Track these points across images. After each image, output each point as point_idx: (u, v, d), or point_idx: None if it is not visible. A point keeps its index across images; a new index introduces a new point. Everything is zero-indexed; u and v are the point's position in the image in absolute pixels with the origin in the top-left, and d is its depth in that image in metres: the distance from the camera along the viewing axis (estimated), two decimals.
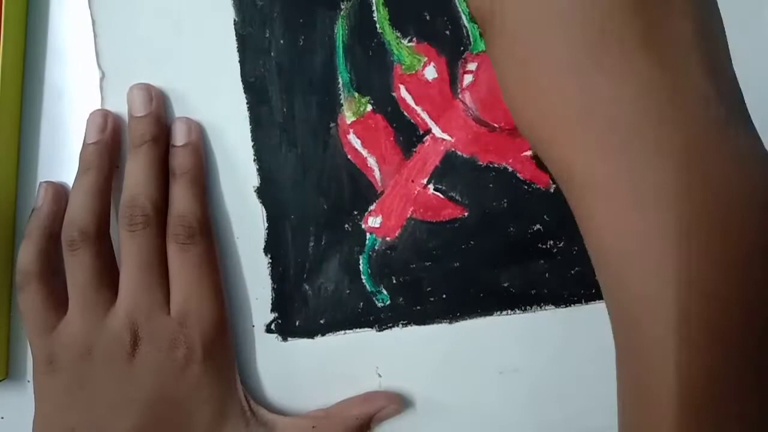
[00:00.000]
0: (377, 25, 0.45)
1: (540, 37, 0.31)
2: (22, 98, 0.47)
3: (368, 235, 0.46)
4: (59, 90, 0.48)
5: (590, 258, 0.33)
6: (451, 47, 0.45)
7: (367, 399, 0.46)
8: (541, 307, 0.46)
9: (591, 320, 0.45)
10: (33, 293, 0.44)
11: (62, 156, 0.48)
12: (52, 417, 0.43)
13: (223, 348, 0.45)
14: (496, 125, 0.45)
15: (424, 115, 0.45)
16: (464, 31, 0.45)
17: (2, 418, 0.48)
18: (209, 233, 0.45)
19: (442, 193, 0.46)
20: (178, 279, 0.44)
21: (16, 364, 0.48)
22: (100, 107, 0.46)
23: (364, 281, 0.46)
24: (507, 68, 0.33)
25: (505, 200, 0.46)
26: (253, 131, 0.46)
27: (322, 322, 0.47)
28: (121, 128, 0.46)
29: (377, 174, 0.46)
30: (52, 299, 0.44)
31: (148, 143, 0.44)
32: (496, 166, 0.45)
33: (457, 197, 0.46)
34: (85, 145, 0.45)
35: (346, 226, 0.46)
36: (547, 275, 0.46)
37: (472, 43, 0.45)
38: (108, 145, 0.45)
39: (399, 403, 0.46)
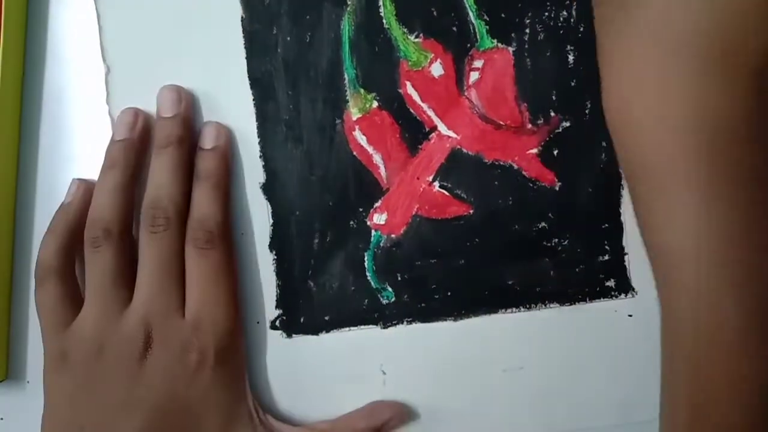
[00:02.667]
0: (384, 21, 0.45)
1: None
2: (22, 98, 0.47)
3: (373, 232, 0.46)
4: (59, 90, 0.48)
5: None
6: (458, 44, 0.45)
7: (372, 411, 0.46)
8: (545, 305, 0.46)
9: (595, 318, 0.46)
10: (51, 289, 0.44)
11: (62, 156, 0.48)
12: (61, 414, 0.43)
13: (235, 354, 0.45)
14: (501, 123, 0.45)
15: (430, 112, 0.45)
16: (471, 28, 0.45)
17: (1, 419, 0.48)
18: (228, 239, 0.45)
19: (447, 191, 0.46)
20: (194, 283, 0.43)
21: (15, 365, 0.48)
22: (105, 103, 0.46)
23: (368, 278, 0.46)
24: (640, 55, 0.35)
25: (511, 198, 0.46)
26: (259, 127, 0.46)
27: (326, 318, 0.46)
28: (151, 128, 0.46)
29: (383, 171, 0.46)
30: (69, 296, 0.44)
31: (174, 145, 0.44)
32: (501, 163, 0.45)
33: (462, 195, 0.46)
34: (112, 141, 0.45)
35: (352, 222, 0.46)
36: (551, 273, 0.46)
37: (479, 40, 0.45)
38: (135, 144, 0.45)
39: (404, 413, 0.46)
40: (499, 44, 0.45)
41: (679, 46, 0.33)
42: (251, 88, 0.46)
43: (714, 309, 0.34)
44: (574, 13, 0.44)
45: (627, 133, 0.36)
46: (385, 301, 0.46)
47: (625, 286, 0.46)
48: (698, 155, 0.33)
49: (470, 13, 0.45)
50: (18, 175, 0.47)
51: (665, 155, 0.34)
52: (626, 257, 0.45)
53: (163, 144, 0.44)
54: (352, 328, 0.47)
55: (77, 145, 0.47)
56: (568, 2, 0.44)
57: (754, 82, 0.33)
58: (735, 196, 0.33)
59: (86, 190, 0.46)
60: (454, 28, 0.45)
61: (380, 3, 0.45)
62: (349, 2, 0.45)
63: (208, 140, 0.45)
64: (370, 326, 0.46)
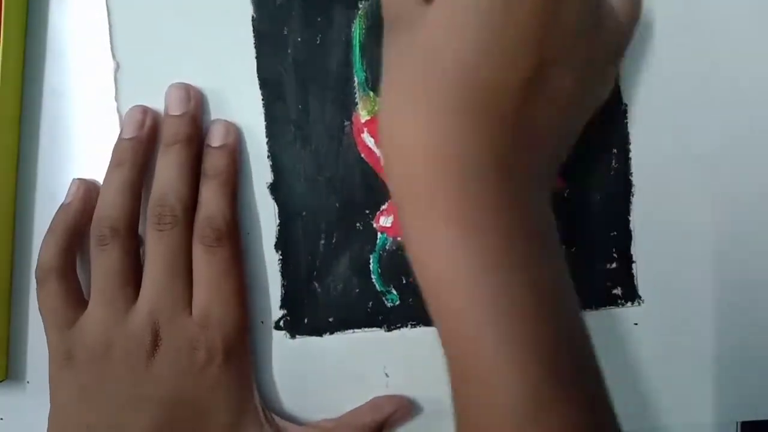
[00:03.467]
0: None
1: None
2: (22, 98, 0.47)
3: (379, 235, 0.46)
4: (59, 89, 0.47)
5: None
6: None
7: (376, 406, 0.46)
8: None
9: (601, 326, 0.45)
10: (53, 289, 0.44)
11: (62, 156, 0.47)
12: (68, 413, 0.43)
13: (243, 352, 0.45)
14: None
15: None
16: None
17: (2, 419, 0.48)
18: (236, 237, 0.45)
19: None
20: (202, 281, 0.43)
21: (15, 366, 0.48)
22: (113, 100, 0.46)
23: (373, 280, 0.46)
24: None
25: None
26: (267, 128, 0.46)
27: (330, 320, 0.46)
28: (159, 126, 0.46)
29: None
30: (71, 295, 0.44)
31: (181, 143, 0.44)
32: None
33: None
34: (120, 139, 0.45)
35: (358, 224, 0.46)
36: None
37: None
38: (143, 142, 0.45)
39: (409, 407, 0.46)
40: None
41: (442, 77, 0.35)
42: (261, 88, 0.46)
43: (470, 337, 0.35)
44: None
45: (392, 157, 0.37)
46: (389, 304, 0.46)
47: (631, 295, 0.46)
48: (452, 189, 0.35)
49: None
50: (18, 175, 0.47)
51: (420, 187, 0.35)
52: (634, 265, 0.45)
53: (170, 142, 0.44)
54: (356, 330, 0.46)
55: (77, 145, 0.47)
56: None
57: (505, 125, 0.35)
58: (489, 231, 0.34)
59: (86, 190, 0.46)
60: None
61: None
62: (360, 5, 0.46)
63: (216, 138, 0.45)
64: (374, 329, 0.46)
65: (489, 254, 0.34)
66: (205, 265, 0.43)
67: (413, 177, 0.36)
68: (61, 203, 0.46)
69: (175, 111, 0.45)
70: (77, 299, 0.44)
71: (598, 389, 0.36)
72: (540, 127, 0.36)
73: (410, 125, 0.36)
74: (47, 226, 0.45)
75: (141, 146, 0.45)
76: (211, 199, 0.44)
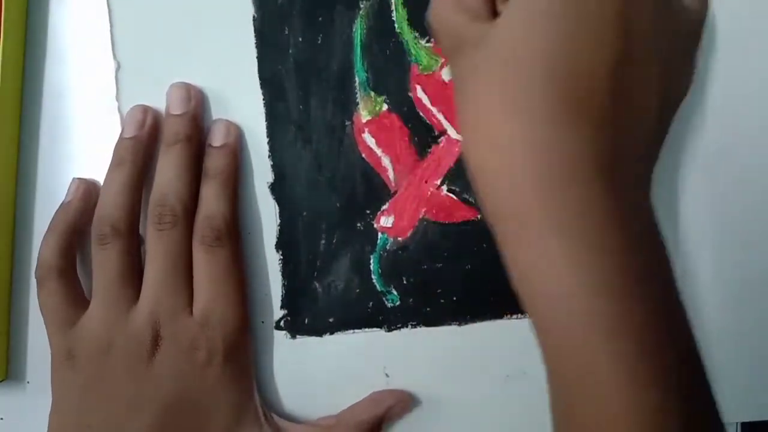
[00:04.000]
0: (395, 25, 0.45)
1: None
2: (22, 98, 0.47)
3: (380, 235, 0.46)
4: (59, 90, 0.47)
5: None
6: None
7: (375, 400, 0.46)
8: None
9: None
10: (53, 288, 0.43)
11: (62, 156, 0.47)
12: (69, 412, 0.43)
13: (243, 352, 0.44)
14: None
15: (440, 116, 0.46)
16: None
17: (2, 419, 0.48)
18: (236, 236, 0.45)
19: (455, 195, 0.46)
20: (202, 280, 0.43)
21: (15, 365, 0.47)
22: (114, 99, 0.46)
23: (374, 281, 0.46)
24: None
25: None
26: (268, 127, 0.46)
27: (330, 320, 0.46)
28: (160, 125, 0.46)
29: (391, 173, 0.46)
30: (72, 294, 0.44)
31: (182, 143, 0.44)
32: None
33: (470, 199, 0.46)
34: (120, 139, 0.45)
35: (358, 224, 0.46)
36: None
37: None
38: (144, 142, 0.45)
39: (407, 400, 0.46)
40: None
41: (527, 77, 0.34)
42: (262, 87, 0.46)
43: (583, 356, 0.33)
44: None
45: (482, 179, 0.36)
46: (389, 305, 0.46)
47: None
48: (552, 202, 0.33)
49: None
50: (18, 175, 0.47)
51: (521, 203, 0.34)
52: None
53: (171, 141, 0.44)
54: (356, 330, 0.46)
55: (77, 145, 0.47)
56: None
57: (601, 119, 0.34)
58: (592, 241, 0.33)
59: (86, 189, 0.46)
60: None
61: (392, 8, 0.46)
62: (361, 6, 0.46)
63: (217, 137, 0.45)
64: (375, 329, 0.46)
65: (597, 271, 0.33)
66: (205, 264, 0.43)
67: (507, 191, 0.34)
68: (61, 202, 0.46)
69: (176, 110, 0.45)
70: (78, 298, 0.44)
71: (713, 405, 0.35)
72: (635, 122, 0.35)
73: (497, 136, 0.35)
74: (47, 226, 0.45)
75: (142, 146, 0.45)
76: (211, 198, 0.44)
